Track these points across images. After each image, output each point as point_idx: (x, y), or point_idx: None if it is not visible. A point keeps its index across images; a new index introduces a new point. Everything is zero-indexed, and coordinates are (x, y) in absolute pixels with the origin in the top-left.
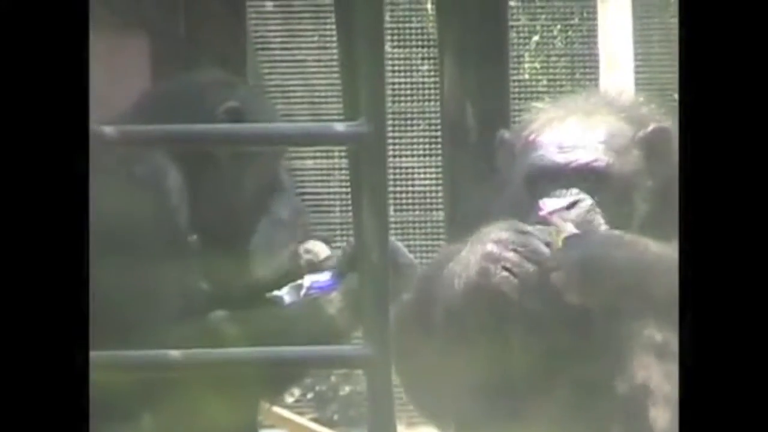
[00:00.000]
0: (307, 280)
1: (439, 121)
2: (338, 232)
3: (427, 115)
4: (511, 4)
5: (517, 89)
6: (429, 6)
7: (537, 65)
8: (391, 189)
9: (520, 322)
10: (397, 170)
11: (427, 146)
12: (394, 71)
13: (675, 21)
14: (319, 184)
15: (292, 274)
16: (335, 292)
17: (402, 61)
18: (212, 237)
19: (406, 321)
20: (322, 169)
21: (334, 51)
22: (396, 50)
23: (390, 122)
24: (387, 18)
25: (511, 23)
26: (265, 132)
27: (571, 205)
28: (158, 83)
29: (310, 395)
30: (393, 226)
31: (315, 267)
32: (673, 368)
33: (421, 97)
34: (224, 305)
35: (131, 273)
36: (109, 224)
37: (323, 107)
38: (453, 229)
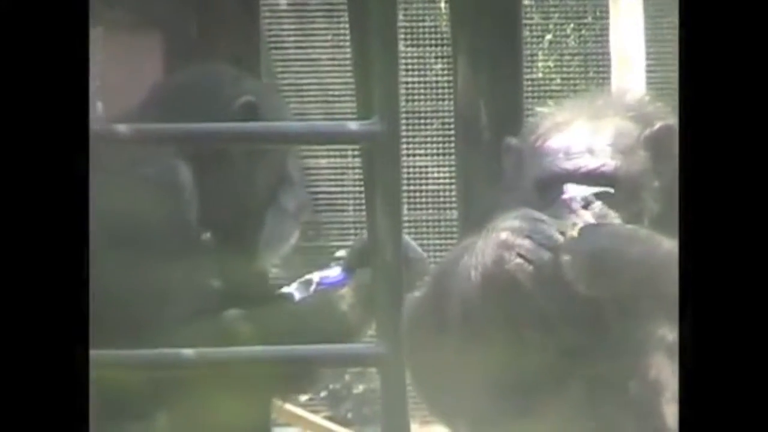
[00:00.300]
0: (316, 275)
1: (452, 119)
2: (352, 231)
3: (440, 114)
4: (525, 2)
5: (530, 88)
6: (442, 5)
7: (550, 64)
8: (404, 188)
9: (535, 315)
10: (411, 169)
11: (440, 145)
12: (407, 70)
13: None
14: (333, 182)
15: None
16: (346, 287)
17: (415, 60)
18: (223, 233)
19: (420, 318)
20: (335, 168)
21: (348, 50)
22: (409, 49)
23: (403, 121)
24: (400, 17)
25: (524, 22)
26: (279, 130)
27: (593, 199)
28: (172, 76)
29: (323, 393)
30: (406, 224)
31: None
32: None
33: (434, 96)
34: (235, 302)
35: (143, 271)
36: (120, 223)
37: (337, 106)
38: (466, 227)
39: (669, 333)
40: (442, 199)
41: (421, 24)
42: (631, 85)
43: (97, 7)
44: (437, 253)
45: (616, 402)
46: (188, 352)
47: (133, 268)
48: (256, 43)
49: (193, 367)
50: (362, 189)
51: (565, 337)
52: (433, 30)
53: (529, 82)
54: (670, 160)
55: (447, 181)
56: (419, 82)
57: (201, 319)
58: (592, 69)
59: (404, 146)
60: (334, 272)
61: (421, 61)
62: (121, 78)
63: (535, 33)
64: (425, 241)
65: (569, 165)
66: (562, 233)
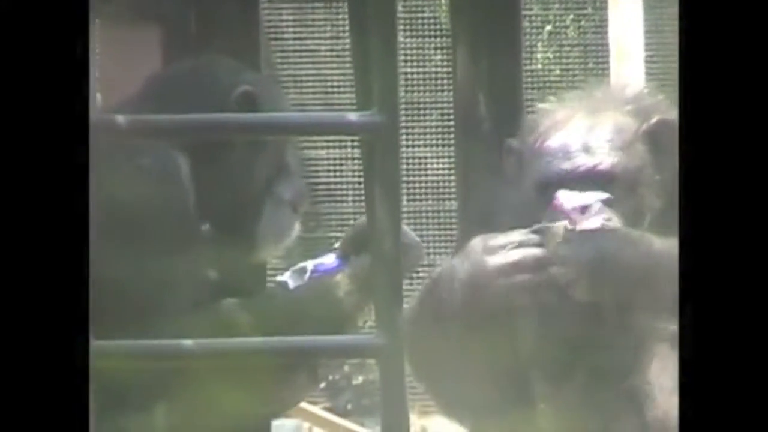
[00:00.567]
0: (310, 263)
1: (451, 110)
2: (351, 222)
3: (439, 105)
4: None
5: (530, 79)
6: None
7: (550, 55)
8: (403, 179)
9: (533, 316)
10: (410, 160)
11: (439, 136)
12: (406, 61)
13: None
14: (332, 173)
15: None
16: (341, 274)
17: (415, 51)
18: (221, 223)
19: (420, 309)
20: (334, 159)
21: (347, 41)
22: (409, 40)
23: (403, 112)
24: (400, 8)
25: (524, 13)
26: (278, 121)
27: (590, 206)
28: (170, 67)
29: (323, 385)
30: (406, 215)
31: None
32: None
33: (433, 87)
34: (231, 292)
35: (140, 262)
36: (117, 213)
37: (336, 97)
38: (466, 218)
39: (667, 325)
40: (441, 190)
41: (420, 15)
42: (629, 77)
43: (95, 1)
44: (436, 244)
45: (617, 393)
46: (186, 343)
47: (130, 258)
48: (256, 35)
49: (190, 359)
50: (361, 180)
51: (564, 332)
52: (432, 21)
53: (529, 73)
54: (668, 154)
55: (446, 172)
56: (418, 73)
57: (198, 309)
58: (591, 60)
59: (403, 137)
60: (329, 259)
61: (421, 52)
62: (119, 71)
63: (534, 24)
64: (424, 232)
65: (567, 165)
66: (554, 240)
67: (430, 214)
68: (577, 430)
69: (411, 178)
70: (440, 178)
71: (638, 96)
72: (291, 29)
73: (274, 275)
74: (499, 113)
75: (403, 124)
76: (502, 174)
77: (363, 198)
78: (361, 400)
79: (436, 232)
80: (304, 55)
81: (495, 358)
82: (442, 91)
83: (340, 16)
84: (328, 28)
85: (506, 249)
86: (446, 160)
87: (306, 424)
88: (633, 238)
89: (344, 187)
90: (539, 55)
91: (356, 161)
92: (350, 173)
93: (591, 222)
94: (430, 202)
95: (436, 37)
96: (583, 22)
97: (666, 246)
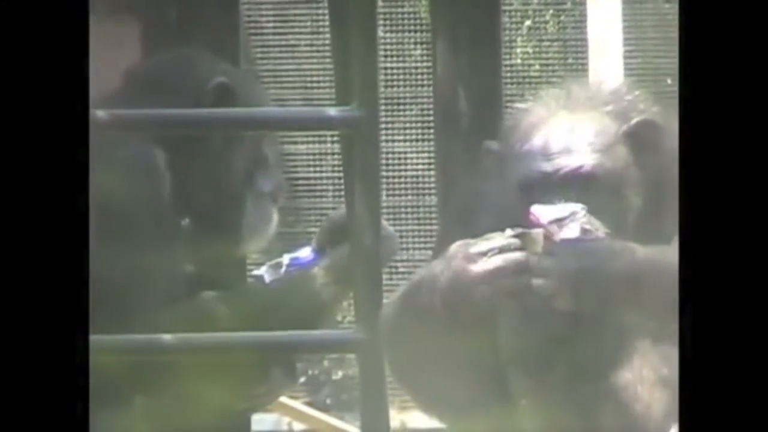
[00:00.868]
0: (286, 257)
1: (431, 105)
2: None
3: (419, 100)
4: None
5: (509, 74)
6: None
7: (529, 50)
8: (383, 174)
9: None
10: (390, 155)
11: (419, 131)
12: (386, 56)
13: (669, 6)
14: (312, 168)
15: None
16: (317, 267)
17: (394, 46)
18: (201, 217)
19: (398, 307)
20: (314, 154)
21: (327, 36)
22: (388, 35)
23: (382, 107)
24: (379, 2)
25: (503, 8)
26: (258, 116)
27: (566, 218)
28: (147, 60)
29: (302, 379)
30: (385, 210)
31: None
32: (669, 352)
33: (413, 82)
34: (208, 285)
35: (119, 256)
36: (96, 207)
37: (316, 92)
38: (445, 214)
39: (649, 323)
40: (420, 185)
41: (400, 10)
42: (608, 72)
43: None
44: (416, 239)
45: (596, 389)
46: (165, 337)
47: (107, 251)
48: (236, 29)
49: (170, 353)
50: (341, 175)
51: (543, 330)
52: (412, 16)
53: (508, 68)
54: (649, 154)
55: (426, 166)
56: (398, 68)
57: (177, 304)
58: (570, 55)
59: (383, 132)
60: (304, 253)
61: (400, 46)
62: (99, 65)
63: (514, 19)
64: (404, 227)
65: (548, 167)
66: (535, 245)
67: (409, 209)
68: (558, 424)
69: (390, 173)
70: (420, 172)
71: (617, 94)
72: (271, 24)
73: (252, 270)
74: (478, 108)
75: (383, 119)
76: (481, 171)
77: (342, 193)
78: (340, 395)
79: (416, 227)
80: (284, 50)
81: (475, 356)
82: (422, 86)
83: (320, 11)
84: (308, 23)
85: (487, 256)
86: (426, 154)
87: (286, 419)
88: (615, 250)
89: (324, 182)
90: (518, 50)
91: (336, 156)
92: (330, 168)
93: (569, 230)
94: (409, 197)
95: (415, 32)
96: (562, 17)
97: (649, 256)
